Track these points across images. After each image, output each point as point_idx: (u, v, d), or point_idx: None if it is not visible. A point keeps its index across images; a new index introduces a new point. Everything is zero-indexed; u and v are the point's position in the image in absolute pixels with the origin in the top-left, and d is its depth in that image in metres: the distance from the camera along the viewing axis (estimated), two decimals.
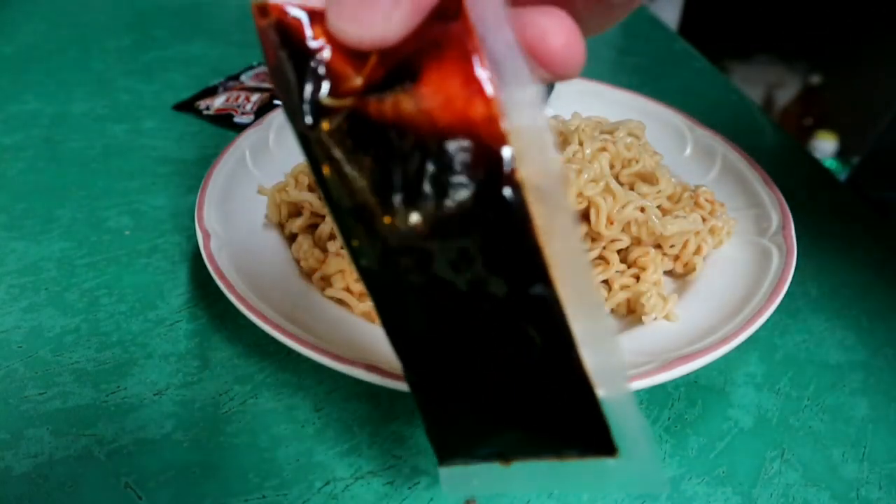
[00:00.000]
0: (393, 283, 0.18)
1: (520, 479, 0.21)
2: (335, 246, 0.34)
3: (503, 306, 0.17)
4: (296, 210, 0.36)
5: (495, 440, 0.20)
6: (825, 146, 1.57)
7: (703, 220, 0.36)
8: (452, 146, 0.16)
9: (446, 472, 0.21)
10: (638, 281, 0.34)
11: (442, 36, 0.16)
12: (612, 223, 0.34)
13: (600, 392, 0.18)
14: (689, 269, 0.36)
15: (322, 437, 0.28)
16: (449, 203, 0.16)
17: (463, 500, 0.24)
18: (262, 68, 0.58)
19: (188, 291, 0.35)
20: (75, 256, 0.37)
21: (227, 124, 0.50)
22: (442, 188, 0.16)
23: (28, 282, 0.35)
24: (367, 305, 0.32)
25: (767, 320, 0.35)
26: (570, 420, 0.19)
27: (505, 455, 0.20)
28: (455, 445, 0.21)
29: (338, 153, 0.17)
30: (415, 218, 0.16)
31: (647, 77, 0.61)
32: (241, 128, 0.46)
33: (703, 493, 0.27)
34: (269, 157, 0.40)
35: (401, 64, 0.16)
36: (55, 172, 0.44)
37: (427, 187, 0.16)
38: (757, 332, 0.35)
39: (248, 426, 0.29)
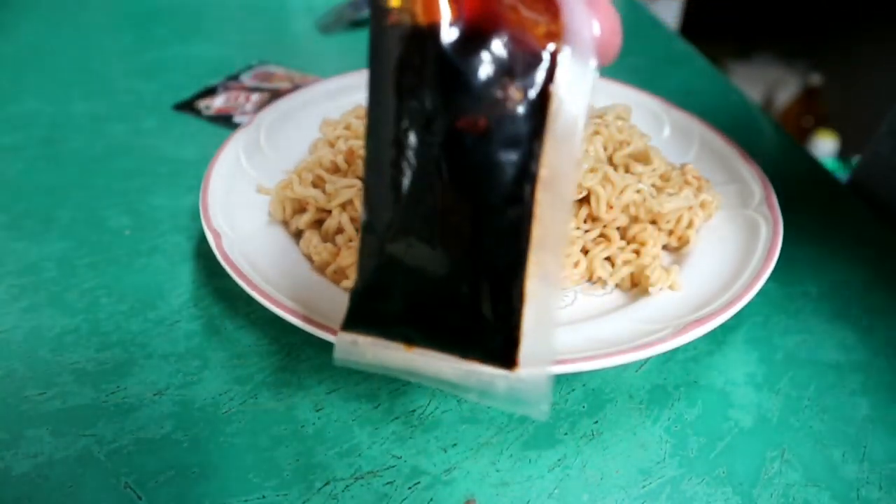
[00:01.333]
0: (412, 149, 0.18)
1: (413, 366, 0.21)
2: (343, 239, 0.34)
3: (486, 204, 0.18)
4: (300, 207, 0.37)
5: (413, 323, 0.21)
6: (825, 146, 1.57)
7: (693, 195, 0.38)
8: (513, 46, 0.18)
9: (344, 338, 0.21)
10: (638, 255, 0.35)
11: None
12: (611, 208, 0.36)
13: (529, 316, 0.19)
14: (683, 243, 0.37)
15: (322, 437, 0.28)
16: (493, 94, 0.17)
17: (357, 362, 0.23)
18: (262, 68, 0.58)
19: (188, 291, 0.35)
20: (75, 256, 0.37)
21: (227, 124, 0.50)
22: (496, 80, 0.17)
23: (28, 282, 0.35)
24: None
25: (768, 320, 0.36)
26: (490, 326, 0.20)
27: (411, 339, 0.21)
28: (372, 316, 0.21)
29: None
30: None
31: (647, 77, 0.61)
32: None
33: (704, 494, 0.27)
34: (261, 156, 0.40)
35: None
36: (55, 172, 0.44)
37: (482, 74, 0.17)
38: (757, 331, 0.35)
39: (248, 426, 0.29)
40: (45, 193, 0.42)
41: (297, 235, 0.36)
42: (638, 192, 0.36)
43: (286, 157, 0.41)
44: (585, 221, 0.36)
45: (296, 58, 0.60)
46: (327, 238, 0.35)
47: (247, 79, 0.56)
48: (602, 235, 0.36)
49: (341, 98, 0.46)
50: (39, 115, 0.50)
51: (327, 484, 0.27)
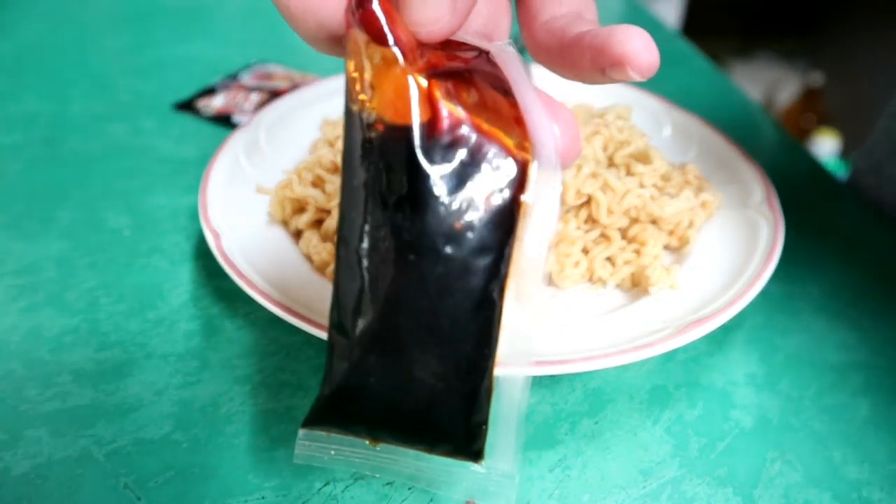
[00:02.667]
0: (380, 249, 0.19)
1: (378, 461, 0.21)
2: None
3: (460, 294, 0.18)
4: (300, 207, 0.37)
5: (379, 421, 0.21)
6: (826, 146, 1.57)
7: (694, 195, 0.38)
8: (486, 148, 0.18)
9: (305, 436, 0.21)
10: (639, 255, 0.35)
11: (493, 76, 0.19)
12: (612, 213, 0.36)
13: (498, 371, 0.19)
14: (683, 243, 0.37)
15: None
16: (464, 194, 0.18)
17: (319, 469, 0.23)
18: (261, 68, 0.58)
19: (188, 291, 0.35)
20: (74, 256, 0.37)
21: (227, 124, 0.50)
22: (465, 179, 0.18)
23: (27, 282, 0.35)
24: None
25: (768, 320, 0.36)
26: (458, 421, 0.20)
27: (377, 435, 0.21)
28: (336, 415, 0.21)
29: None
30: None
31: None
32: None
33: (704, 494, 0.27)
34: (261, 156, 0.40)
35: (455, 71, 0.19)
36: (55, 172, 0.44)
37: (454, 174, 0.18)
38: (757, 331, 0.35)
39: (248, 426, 0.29)
40: (44, 193, 0.42)
41: (297, 235, 0.36)
42: (638, 196, 0.36)
43: (286, 157, 0.41)
44: (586, 222, 0.36)
45: (295, 57, 0.60)
46: (327, 238, 0.35)
47: (246, 78, 0.56)
48: (602, 235, 0.36)
49: (341, 98, 0.46)
50: (39, 115, 0.50)
51: (327, 484, 0.27)
